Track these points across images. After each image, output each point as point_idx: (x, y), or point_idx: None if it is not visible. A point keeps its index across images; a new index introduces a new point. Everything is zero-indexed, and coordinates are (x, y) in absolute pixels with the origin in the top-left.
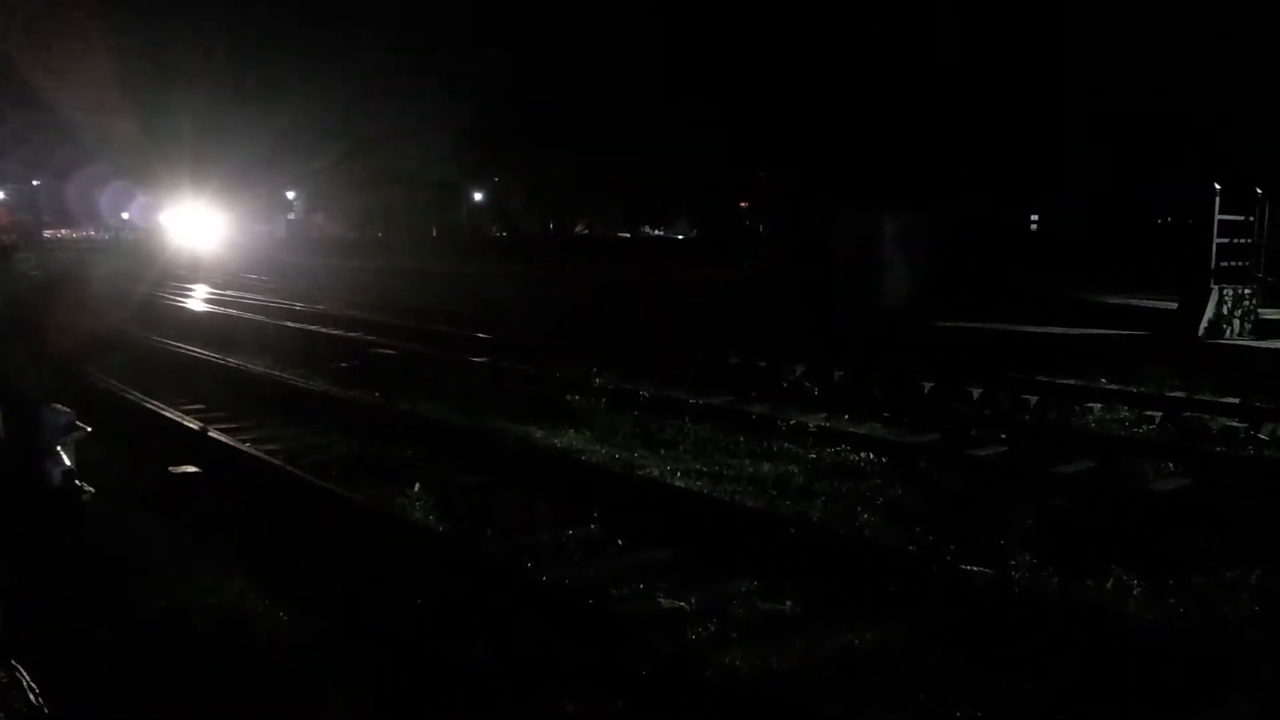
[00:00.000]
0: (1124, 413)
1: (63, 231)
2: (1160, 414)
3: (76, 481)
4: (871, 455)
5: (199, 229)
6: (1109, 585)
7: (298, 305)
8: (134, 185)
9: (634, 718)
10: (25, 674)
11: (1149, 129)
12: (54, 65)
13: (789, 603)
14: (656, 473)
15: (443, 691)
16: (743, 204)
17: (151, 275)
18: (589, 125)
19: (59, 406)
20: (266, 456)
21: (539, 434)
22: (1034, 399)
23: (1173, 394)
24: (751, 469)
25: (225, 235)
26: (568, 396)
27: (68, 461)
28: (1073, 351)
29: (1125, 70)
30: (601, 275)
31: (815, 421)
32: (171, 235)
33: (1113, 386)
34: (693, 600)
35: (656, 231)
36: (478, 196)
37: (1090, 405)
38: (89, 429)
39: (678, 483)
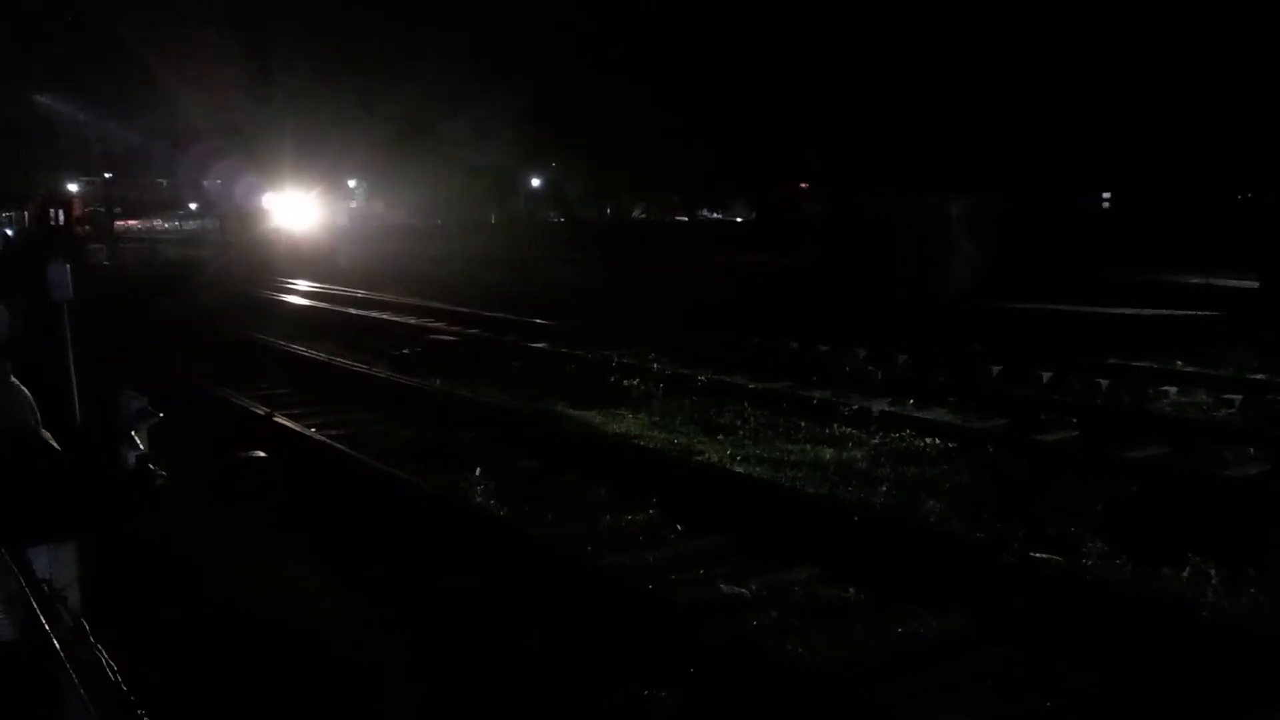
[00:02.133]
0: (1201, 396)
1: (156, 222)
2: (1240, 397)
3: (150, 466)
4: (937, 440)
5: (295, 215)
6: (1185, 574)
7: (360, 292)
8: (240, 168)
9: (693, 704)
10: (104, 652)
11: (1226, 104)
12: (174, 63)
13: (851, 590)
14: (715, 458)
15: (502, 676)
16: (802, 185)
17: (223, 266)
18: (648, 109)
19: (133, 393)
20: (331, 441)
21: (597, 419)
22: (1105, 382)
23: (1253, 376)
24: (812, 455)
25: (319, 221)
26: (625, 382)
27: (142, 447)
28: (1146, 333)
29: (1201, 44)
30: (659, 260)
31: (878, 406)
32: (269, 220)
33: (1189, 369)
34: (753, 587)
35: (714, 215)
36: (535, 183)
37: (1165, 389)
38: (161, 415)
39: (737, 468)
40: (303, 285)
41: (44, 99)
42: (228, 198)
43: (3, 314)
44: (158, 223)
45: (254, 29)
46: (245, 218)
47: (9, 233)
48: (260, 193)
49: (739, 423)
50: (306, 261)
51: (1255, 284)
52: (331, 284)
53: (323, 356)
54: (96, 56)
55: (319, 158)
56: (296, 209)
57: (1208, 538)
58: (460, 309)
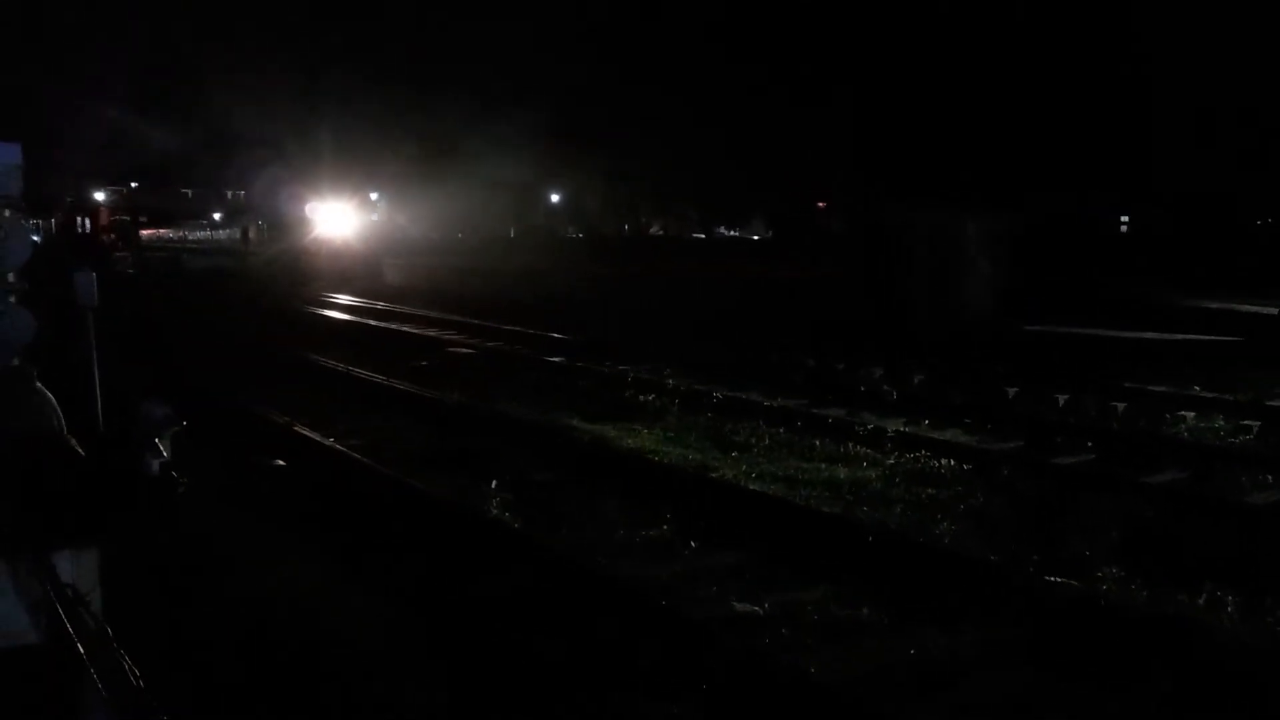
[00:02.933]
0: (1219, 421)
1: (184, 231)
2: (1259, 423)
3: (172, 473)
4: (952, 461)
5: (335, 226)
6: (1201, 600)
7: (380, 304)
8: (281, 177)
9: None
10: (126, 657)
11: (1244, 127)
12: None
13: (865, 609)
14: (730, 475)
15: (517, 687)
16: (820, 204)
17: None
18: (669, 125)
19: (156, 401)
20: (349, 451)
21: (612, 433)
22: (1122, 406)
23: (1272, 403)
24: (827, 473)
25: (357, 233)
26: (641, 397)
27: (165, 454)
28: (1165, 357)
29: (1219, 67)
30: (676, 276)
31: (894, 426)
32: (310, 230)
33: (1207, 394)
34: (766, 604)
35: (731, 232)
36: (555, 198)
37: (1183, 413)
38: (184, 422)
39: (751, 485)
40: (362, 302)
41: (106, 108)
42: (269, 207)
43: (29, 319)
44: (185, 232)
45: (295, 44)
46: (287, 228)
47: (36, 239)
48: (300, 203)
49: (754, 440)
50: (352, 275)
51: (1275, 310)
52: (358, 296)
53: (342, 367)
54: (139, 63)
55: (352, 170)
56: (336, 220)
57: (1225, 564)
58: (477, 321)
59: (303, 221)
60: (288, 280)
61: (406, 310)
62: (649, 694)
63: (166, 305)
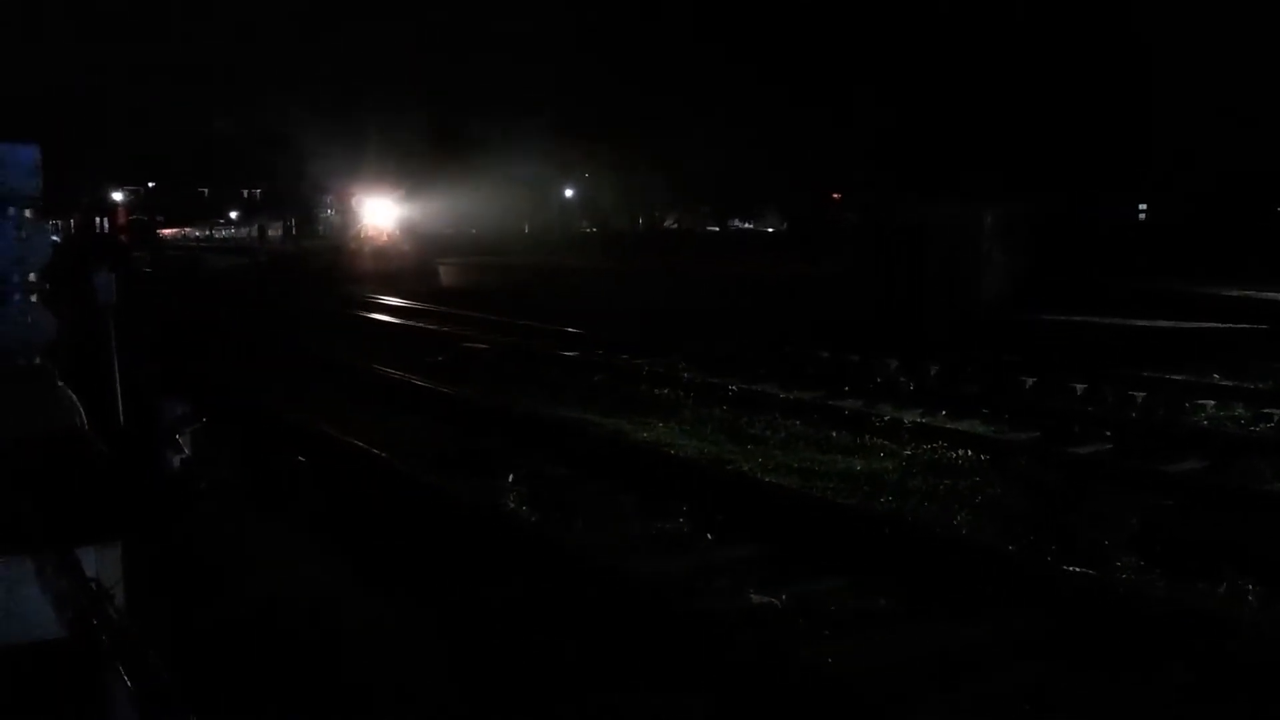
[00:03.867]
0: (1239, 410)
1: (212, 231)
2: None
3: (193, 470)
4: (969, 452)
5: (378, 223)
6: (1221, 590)
7: (394, 301)
8: (324, 176)
9: (723, 714)
10: (152, 651)
11: (1259, 112)
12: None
13: (882, 601)
14: (746, 468)
15: (531, 685)
16: (834, 196)
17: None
18: (684, 118)
19: (177, 399)
20: (366, 446)
21: (628, 427)
22: (1141, 395)
23: None
24: (843, 465)
25: (402, 230)
26: (656, 390)
27: (186, 451)
28: (1184, 346)
29: (1234, 54)
30: (691, 270)
31: (910, 417)
32: (356, 227)
33: (1227, 383)
34: (783, 597)
35: (745, 225)
36: (569, 193)
37: (1202, 402)
38: (204, 419)
39: (767, 478)
40: (409, 303)
41: (124, 108)
42: (298, 204)
43: (50, 319)
44: (209, 230)
45: (310, 42)
46: (316, 225)
47: (56, 240)
48: (333, 199)
49: (769, 432)
50: (403, 276)
51: None
52: (372, 292)
53: (359, 363)
54: (161, 60)
55: (377, 166)
56: (377, 216)
57: (1245, 554)
58: (491, 317)
59: (336, 217)
60: (338, 278)
61: (424, 308)
62: (665, 689)
63: (185, 305)
